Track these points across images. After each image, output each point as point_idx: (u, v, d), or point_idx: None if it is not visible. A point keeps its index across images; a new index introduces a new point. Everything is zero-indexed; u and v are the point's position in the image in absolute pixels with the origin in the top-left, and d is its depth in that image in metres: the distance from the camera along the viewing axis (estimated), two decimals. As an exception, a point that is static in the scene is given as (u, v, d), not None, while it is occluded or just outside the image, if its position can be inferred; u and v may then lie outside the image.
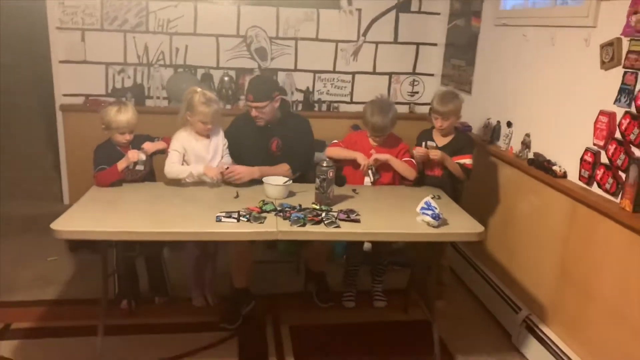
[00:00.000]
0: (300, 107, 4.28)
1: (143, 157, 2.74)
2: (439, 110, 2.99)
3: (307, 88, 4.27)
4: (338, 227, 2.38)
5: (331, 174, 2.59)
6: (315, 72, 4.28)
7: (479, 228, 2.46)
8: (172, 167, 2.80)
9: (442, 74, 4.25)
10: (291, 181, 2.77)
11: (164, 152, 2.87)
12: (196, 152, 2.86)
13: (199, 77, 4.12)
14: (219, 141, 2.94)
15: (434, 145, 3.04)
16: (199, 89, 2.83)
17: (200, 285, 3.14)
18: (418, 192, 2.87)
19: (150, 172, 2.92)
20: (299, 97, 4.29)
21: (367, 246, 3.43)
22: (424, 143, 3.07)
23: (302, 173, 3.04)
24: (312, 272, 3.27)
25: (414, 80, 4.43)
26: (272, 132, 3.05)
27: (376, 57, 4.32)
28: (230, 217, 2.38)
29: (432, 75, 4.41)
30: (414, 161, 3.02)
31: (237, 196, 2.70)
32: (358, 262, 3.26)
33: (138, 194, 2.69)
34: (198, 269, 3.11)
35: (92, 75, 4.03)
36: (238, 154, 3.00)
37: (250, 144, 3.00)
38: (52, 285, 3.23)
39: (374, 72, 4.35)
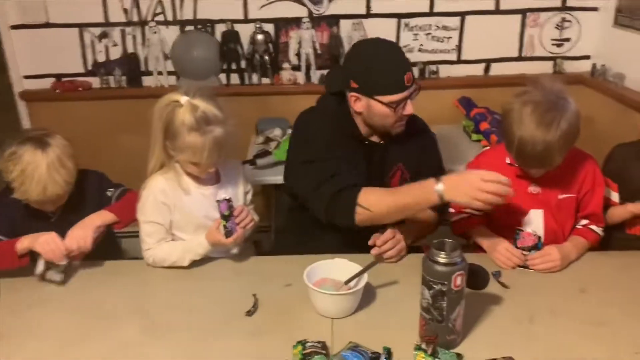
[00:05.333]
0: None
1: (62, 262, 1.47)
2: None
3: (389, 44, 2.78)
4: None
5: (459, 282, 1.12)
6: (399, 16, 2.79)
7: None
8: (155, 253, 1.53)
9: (618, 8, 2.66)
10: (364, 281, 1.30)
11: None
12: (189, 211, 1.52)
13: (218, 37, 2.75)
14: (237, 190, 1.60)
15: None
16: (183, 97, 1.43)
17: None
18: (619, 274, 1.42)
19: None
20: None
21: None
22: None
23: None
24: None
25: (563, 20, 2.86)
26: (394, 153, 1.66)
27: (500, -15, 2.82)
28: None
29: (594, 9, 2.84)
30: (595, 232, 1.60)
31: (252, 310, 1.32)
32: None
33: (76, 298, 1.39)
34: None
35: (61, 45, 2.73)
36: None
37: (347, 169, 1.56)
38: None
39: (496, 11, 2.83)
